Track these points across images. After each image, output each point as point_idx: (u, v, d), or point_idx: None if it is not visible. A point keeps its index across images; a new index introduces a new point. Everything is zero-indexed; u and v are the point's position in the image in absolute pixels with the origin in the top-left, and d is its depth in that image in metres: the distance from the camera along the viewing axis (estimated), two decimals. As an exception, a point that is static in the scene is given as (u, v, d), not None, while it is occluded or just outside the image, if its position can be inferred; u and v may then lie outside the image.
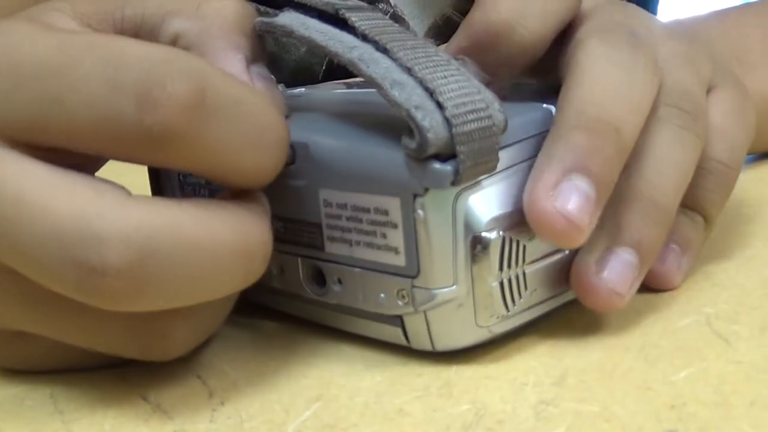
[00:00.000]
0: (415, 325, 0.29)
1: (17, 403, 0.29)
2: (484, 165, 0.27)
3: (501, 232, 0.28)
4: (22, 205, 0.26)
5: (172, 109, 0.25)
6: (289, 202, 0.30)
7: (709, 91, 0.34)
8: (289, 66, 0.54)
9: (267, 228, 0.28)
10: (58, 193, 0.26)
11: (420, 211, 0.28)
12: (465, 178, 0.27)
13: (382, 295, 0.29)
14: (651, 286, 0.32)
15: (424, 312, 0.28)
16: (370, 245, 0.29)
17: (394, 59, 0.27)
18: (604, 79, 0.30)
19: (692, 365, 0.28)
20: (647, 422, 0.25)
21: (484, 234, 0.28)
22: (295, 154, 0.30)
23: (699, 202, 0.33)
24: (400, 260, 0.28)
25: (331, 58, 0.28)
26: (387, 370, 0.29)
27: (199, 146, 0.26)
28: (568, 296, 0.31)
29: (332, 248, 0.30)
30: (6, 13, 0.34)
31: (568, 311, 0.31)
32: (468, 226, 0.28)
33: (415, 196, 0.27)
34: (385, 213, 0.28)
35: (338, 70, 0.45)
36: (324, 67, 0.53)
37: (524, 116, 0.30)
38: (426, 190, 0.27)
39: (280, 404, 0.28)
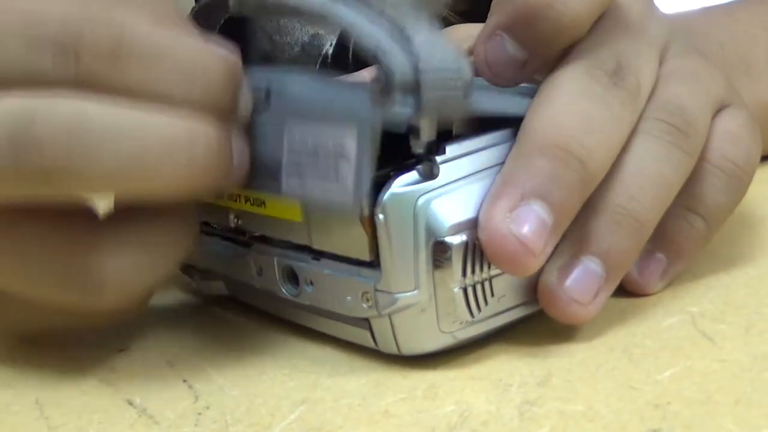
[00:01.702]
0: (381, 328, 0.29)
1: (3, 409, 0.29)
2: (447, 114, 0.27)
3: (464, 238, 0.28)
4: None
5: (92, 58, 0.26)
6: (256, 142, 0.30)
7: (721, 109, 0.33)
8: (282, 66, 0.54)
9: (212, 122, 0.28)
10: None
11: (381, 215, 0.27)
12: (425, 119, 0.27)
13: (349, 297, 0.29)
14: (628, 290, 0.32)
15: (389, 316, 0.28)
16: (322, 179, 0.28)
17: (368, 5, 0.27)
18: (575, 110, 0.29)
19: (677, 364, 0.28)
20: (631, 421, 0.25)
21: (446, 239, 0.28)
22: (270, 93, 0.29)
23: (706, 202, 0.32)
24: (348, 198, 0.28)
25: (305, 14, 0.28)
26: (372, 372, 0.29)
27: (126, 88, 0.26)
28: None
29: (289, 186, 0.29)
30: None
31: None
32: (430, 230, 0.28)
33: (379, 191, 0.27)
34: (341, 146, 0.27)
35: (333, 68, 0.45)
36: (318, 66, 0.53)
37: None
38: (382, 122, 0.27)
39: (265, 407, 0.28)
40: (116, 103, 0.26)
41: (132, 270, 0.28)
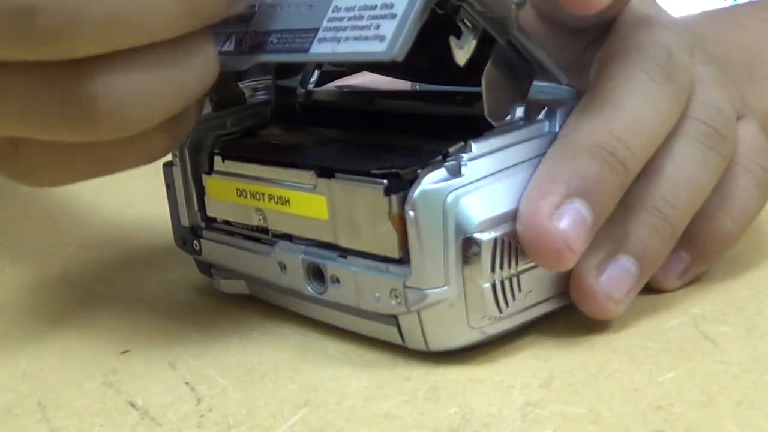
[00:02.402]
0: (409, 324, 0.29)
1: (5, 412, 0.29)
2: (495, 6, 0.28)
3: (493, 234, 0.28)
4: None
5: None
6: (298, 14, 0.30)
7: (739, 118, 0.34)
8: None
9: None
10: None
11: (411, 212, 0.28)
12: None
13: (377, 294, 0.29)
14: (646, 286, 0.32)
15: (418, 312, 0.29)
16: (357, 39, 0.28)
17: None
18: (627, 110, 0.29)
19: (679, 366, 0.28)
20: (634, 423, 0.25)
21: (475, 235, 0.28)
22: None
23: (738, 204, 0.33)
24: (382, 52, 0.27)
25: None
26: (374, 373, 0.30)
27: None
28: (566, 299, 0.31)
29: (317, 48, 0.29)
30: None
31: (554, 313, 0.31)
32: (459, 227, 0.28)
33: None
34: (390, 6, 0.27)
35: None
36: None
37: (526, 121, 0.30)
38: None
39: (267, 410, 0.28)
40: None
41: (131, 92, 0.27)
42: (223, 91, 0.36)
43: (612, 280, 0.30)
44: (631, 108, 0.30)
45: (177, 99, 0.28)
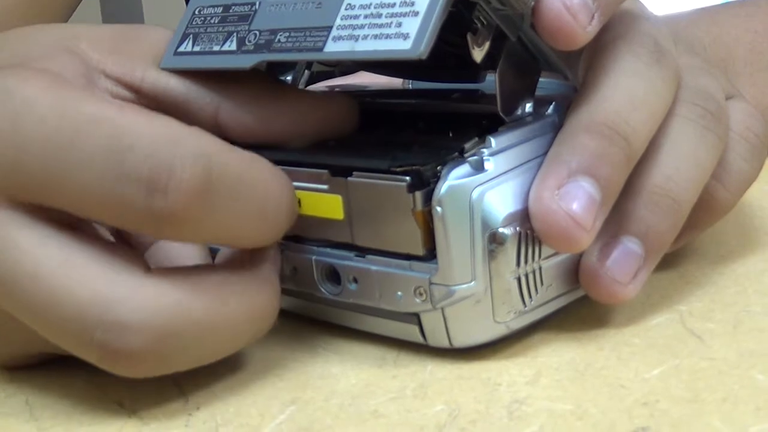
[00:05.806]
0: (432, 322, 0.29)
1: (-7, 412, 0.29)
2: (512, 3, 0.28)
3: (518, 228, 0.28)
4: (39, 281, 0.26)
5: (180, 196, 0.26)
6: (306, 12, 0.30)
7: (728, 99, 0.34)
8: None
9: (275, 289, 0.29)
10: (75, 275, 0.26)
11: (438, 208, 0.28)
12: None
13: (399, 293, 0.29)
14: None
15: (442, 309, 0.29)
16: (378, 37, 0.28)
17: None
18: (621, 88, 0.30)
19: (665, 362, 0.28)
20: (620, 419, 0.25)
21: (501, 230, 0.28)
22: None
23: (730, 170, 0.33)
24: (407, 51, 0.27)
25: None
26: (362, 372, 0.30)
27: (204, 224, 0.27)
28: (582, 291, 0.31)
29: (333, 47, 0.29)
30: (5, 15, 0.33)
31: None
32: (485, 222, 0.28)
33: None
34: (411, 4, 0.27)
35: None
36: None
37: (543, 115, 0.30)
38: None
39: (255, 408, 0.28)
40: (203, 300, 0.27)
41: (185, 345, 0.28)
42: None
43: (616, 263, 0.30)
44: (624, 86, 0.30)
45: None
